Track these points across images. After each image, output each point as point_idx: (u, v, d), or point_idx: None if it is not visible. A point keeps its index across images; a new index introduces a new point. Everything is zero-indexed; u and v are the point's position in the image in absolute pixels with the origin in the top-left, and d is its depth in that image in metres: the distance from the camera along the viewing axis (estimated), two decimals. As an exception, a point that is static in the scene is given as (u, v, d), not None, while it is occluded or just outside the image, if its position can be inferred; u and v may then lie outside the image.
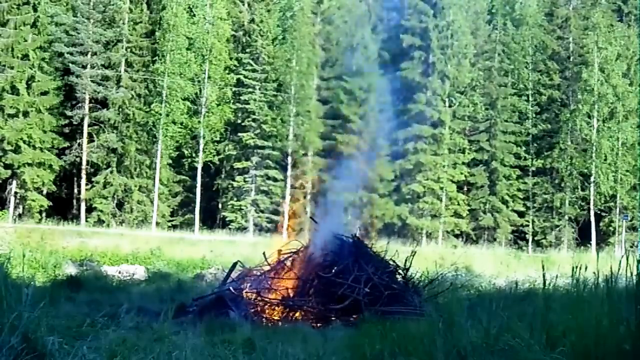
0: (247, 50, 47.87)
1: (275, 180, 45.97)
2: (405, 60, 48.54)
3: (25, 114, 42.16)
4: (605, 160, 47.44)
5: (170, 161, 46.54)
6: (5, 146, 41.36)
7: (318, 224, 13.72)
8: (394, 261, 12.96)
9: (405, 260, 12.92)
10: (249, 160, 46.19)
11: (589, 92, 47.62)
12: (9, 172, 42.03)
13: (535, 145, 50.26)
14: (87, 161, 44.77)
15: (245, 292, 12.18)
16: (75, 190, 47.42)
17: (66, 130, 45.36)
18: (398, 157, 47.46)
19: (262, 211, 45.68)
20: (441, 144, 47.71)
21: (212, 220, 47.76)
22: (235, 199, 46.12)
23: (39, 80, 42.77)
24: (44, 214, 42.26)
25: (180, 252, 28.58)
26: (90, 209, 44.06)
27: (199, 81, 46.07)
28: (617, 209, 47.49)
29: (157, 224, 44.06)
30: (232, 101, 46.97)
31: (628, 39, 49.50)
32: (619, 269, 5.04)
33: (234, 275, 13.14)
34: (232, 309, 11.26)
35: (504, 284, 18.41)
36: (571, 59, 51.19)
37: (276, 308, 11.95)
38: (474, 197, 49.24)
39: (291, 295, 12.20)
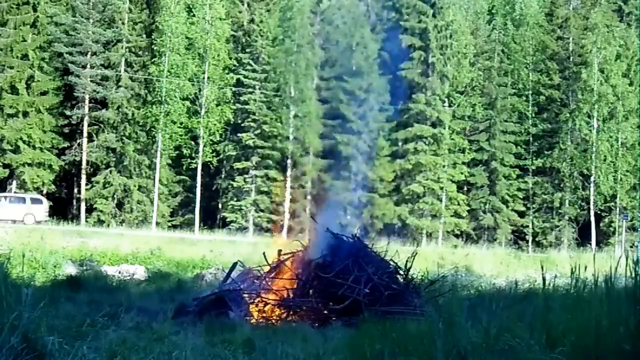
0: (247, 50, 47.87)
1: (275, 180, 45.99)
2: (405, 60, 48.53)
3: (25, 113, 42.20)
4: (605, 160, 47.41)
5: (170, 161, 46.56)
6: (4, 146, 41.39)
7: (318, 224, 13.70)
8: (394, 262, 12.95)
9: (406, 261, 12.91)
10: (249, 161, 46.20)
11: (588, 92, 47.57)
12: (7, 171, 42.06)
13: (535, 145, 50.24)
14: (87, 161, 44.79)
15: (246, 292, 12.18)
16: (75, 190, 47.44)
17: (66, 130, 45.40)
18: (398, 157, 47.49)
19: (262, 211, 45.70)
20: (441, 144, 47.68)
21: (212, 220, 47.77)
22: (235, 199, 46.13)
23: (38, 80, 42.80)
24: (43, 214, 42.25)
25: (180, 252, 28.59)
26: (90, 209, 44.08)
27: (198, 81, 46.07)
28: (617, 209, 47.48)
29: (157, 224, 44.07)
30: (231, 101, 46.97)
31: (628, 39, 49.46)
32: (617, 269, 5.05)
33: (234, 275, 13.14)
34: (232, 309, 11.26)
35: (504, 284, 18.41)
36: (571, 59, 51.15)
37: (276, 308, 11.94)
38: (474, 197, 49.22)
39: (291, 295, 12.20)
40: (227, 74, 47.30)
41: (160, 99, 44.43)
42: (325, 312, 11.81)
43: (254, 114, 46.11)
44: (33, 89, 42.65)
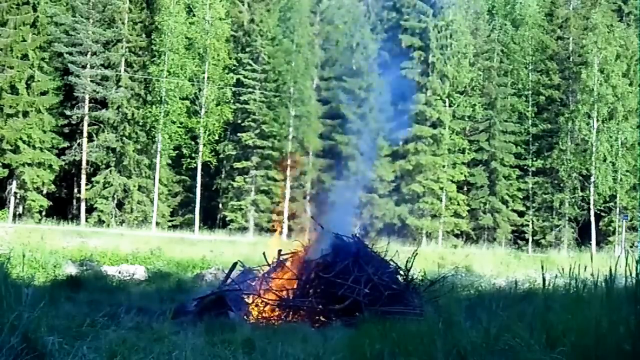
0: (247, 50, 47.89)
1: (275, 180, 46.00)
2: (405, 60, 48.52)
3: (25, 113, 42.21)
4: (605, 160, 47.42)
5: (170, 161, 46.57)
6: (4, 146, 41.39)
7: (319, 224, 13.70)
8: (394, 262, 12.95)
9: (407, 261, 12.91)
10: (249, 160, 46.21)
11: (588, 92, 47.58)
12: (7, 171, 42.06)
13: (535, 145, 50.27)
14: (87, 161, 44.81)
15: (246, 293, 12.18)
16: (75, 190, 47.46)
17: (66, 130, 45.43)
18: (398, 158, 47.51)
19: (262, 211, 45.70)
20: (441, 144, 47.71)
21: (212, 220, 47.77)
22: (235, 199, 46.14)
23: (38, 80, 42.80)
24: (43, 214, 42.28)
25: (180, 252, 28.52)
26: (90, 209, 44.09)
27: (198, 81, 46.08)
28: (617, 209, 47.48)
29: (157, 224, 44.08)
30: (231, 101, 46.99)
31: (628, 39, 49.45)
32: (616, 269, 5.05)
33: (233, 275, 13.13)
34: (232, 309, 11.26)
35: (504, 284, 18.41)
36: (571, 59, 51.19)
37: (276, 308, 11.94)
38: (474, 197, 49.25)
39: (291, 295, 12.20)
40: (227, 74, 47.33)
41: (160, 98, 44.45)
42: (325, 312, 11.81)
43: (254, 113, 46.12)
44: (33, 89, 42.64)
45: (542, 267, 5.94)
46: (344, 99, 46.09)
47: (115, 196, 44.15)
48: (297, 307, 11.89)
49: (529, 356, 4.92)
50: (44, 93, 43.25)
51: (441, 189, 47.27)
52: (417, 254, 13.25)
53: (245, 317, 11.36)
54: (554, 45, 51.76)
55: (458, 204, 48.31)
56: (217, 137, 46.76)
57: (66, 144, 44.75)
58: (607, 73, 47.64)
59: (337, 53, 47.74)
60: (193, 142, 46.43)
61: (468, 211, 48.81)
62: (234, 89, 47.04)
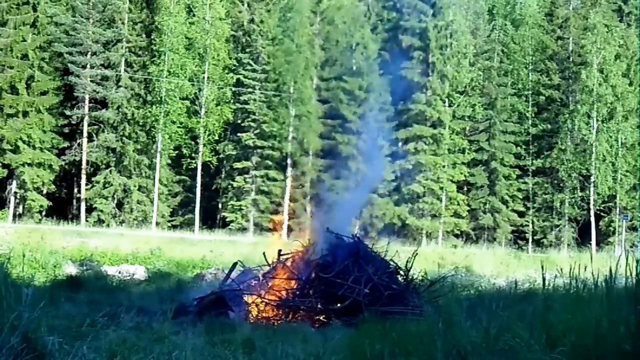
0: (247, 50, 47.88)
1: (275, 180, 46.00)
2: (405, 60, 48.50)
3: (25, 113, 42.21)
4: (604, 160, 47.41)
5: (170, 161, 46.57)
6: (4, 146, 41.39)
7: (318, 224, 13.70)
8: (394, 262, 12.95)
9: (407, 262, 12.91)
10: (249, 160, 46.21)
11: (588, 92, 47.57)
12: (7, 171, 42.06)
13: (535, 145, 50.26)
14: (87, 161, 44.81)
15: (246, 292, 12.18)
16: (75, 190, 47.46)
17: (66, 130, 45.42)
18: (398, 158, 47.48)
19: (262, 211, 45.70)
20: (441, 144, 47.70)
21: (212, 220, 47.76)
22: (235, 199, 46.14)
23: (38, 80, 42.80)
24: (43, 214, 42.27)
25: (180, 252, 28.52)
26: (90, 209, 44.09)
27: (198, 81, 46.08)
28: (617, 209, 47.48)
29: (157, 224, 44.07)
30: (231, 101, 46.98)
31: (628, 39, 49.44)
32: (617, 269, 5.05)
33: (233, 275, 13.13)
34: (232, 309, 11.26)
35: (504, 284, 18.42)
36: (571, 59, 51.18)
37: (276, 308, 11.94)
38: (474, 197, 49.23)
39: (291, 295, 12.20)
40: (227, 74, 47.32)
41: (160, 98, 44.44)
42: (325, 312, 11.81)
43: (254, 113, 46.12)
44: (33, 89, 42.64)
45: (542, 267, 5.95)
46: (344, 99, 46.09)
47: (115, 196, 44.14)
48: (297, 307, 11.89)
49: (529, 356, 4.92)
50: (44, 93, 43.25)
51: (441, 189, 47.25)
52: (417, 254, 13.25)
53: (245, 317, 11.36)
54: (553, 45, 51.76)
55: (458, 204, 48.30)
56: (217, 137, 46.74)
57: (66, 144, 44.74)
58: (607, 73, 47.63)
59: (337, 53, 47.72)
60: (193, 142, 46.41)
61: (468, 211, 48.80)
62: (234, 89, 47.03)
